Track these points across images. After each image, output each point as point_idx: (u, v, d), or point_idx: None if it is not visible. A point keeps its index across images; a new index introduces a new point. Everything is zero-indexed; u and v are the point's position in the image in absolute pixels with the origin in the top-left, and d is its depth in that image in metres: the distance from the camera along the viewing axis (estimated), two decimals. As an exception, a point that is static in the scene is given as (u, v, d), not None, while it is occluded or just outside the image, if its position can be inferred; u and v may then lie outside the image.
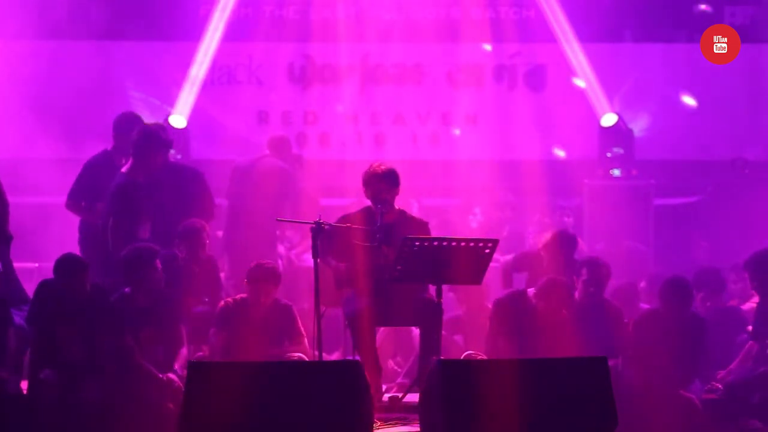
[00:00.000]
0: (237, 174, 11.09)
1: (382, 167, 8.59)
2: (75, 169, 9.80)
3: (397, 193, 8.60)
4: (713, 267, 10.51)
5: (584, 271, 9.19)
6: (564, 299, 8.89)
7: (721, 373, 9.38)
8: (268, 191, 10.81)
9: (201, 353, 9.03)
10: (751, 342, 9.49)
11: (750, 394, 9.10)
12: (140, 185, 9.27)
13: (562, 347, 8.49)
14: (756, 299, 10.26)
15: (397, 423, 7.91)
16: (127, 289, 8.71)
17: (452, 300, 10.25)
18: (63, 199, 9.89)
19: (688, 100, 13.54)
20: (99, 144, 10.11)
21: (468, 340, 9.67)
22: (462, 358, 8.86)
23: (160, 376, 8.46)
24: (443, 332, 9.53)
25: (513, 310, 8.96)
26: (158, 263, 8.75)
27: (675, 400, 8.78)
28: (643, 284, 10.68)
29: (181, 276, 9.26)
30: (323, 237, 8.23)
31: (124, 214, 9.16)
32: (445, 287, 8.40)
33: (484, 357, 8.79)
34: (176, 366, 8.60)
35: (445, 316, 9.90)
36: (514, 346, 8.79)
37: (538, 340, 8.72)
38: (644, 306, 10.04)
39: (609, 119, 12.92)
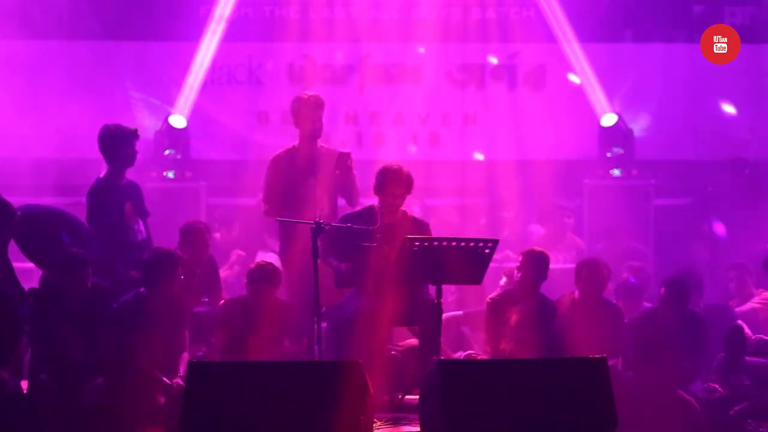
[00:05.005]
0: None
1: (404, 170, 8.58)
2: (74, 169, 9.75)
3: (405, 197, 8.63)
4: (687, 268, 10.46)
5: (584, 272, 9.19)
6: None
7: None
8: None
9: (201, 353, 9.02)
10: None
11: None
12: (107, 189, 9.09)
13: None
14: (756, 299, 10.26)
15: (397, 423, 7.92)
16: (142, 289, 8.63)
17: (452, 301, 10.26)
18: (62, 200, 9.85)
19: (728, 108, 13.50)
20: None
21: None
22: (462, 358, 8.86)
23: (168, 381, 8.40)
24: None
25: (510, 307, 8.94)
26: (180, 271, 8.67)
27: (674, 400, 8.78)
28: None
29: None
30: (325, 237, 8.23)
31: (96, 219, 9.06)
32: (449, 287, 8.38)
33: (484, 357, 8.79)
34: (182, 371, 8.49)
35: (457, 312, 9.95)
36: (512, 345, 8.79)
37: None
38: (647, 304, 10.04)
39: (609, 119, 12.92)
